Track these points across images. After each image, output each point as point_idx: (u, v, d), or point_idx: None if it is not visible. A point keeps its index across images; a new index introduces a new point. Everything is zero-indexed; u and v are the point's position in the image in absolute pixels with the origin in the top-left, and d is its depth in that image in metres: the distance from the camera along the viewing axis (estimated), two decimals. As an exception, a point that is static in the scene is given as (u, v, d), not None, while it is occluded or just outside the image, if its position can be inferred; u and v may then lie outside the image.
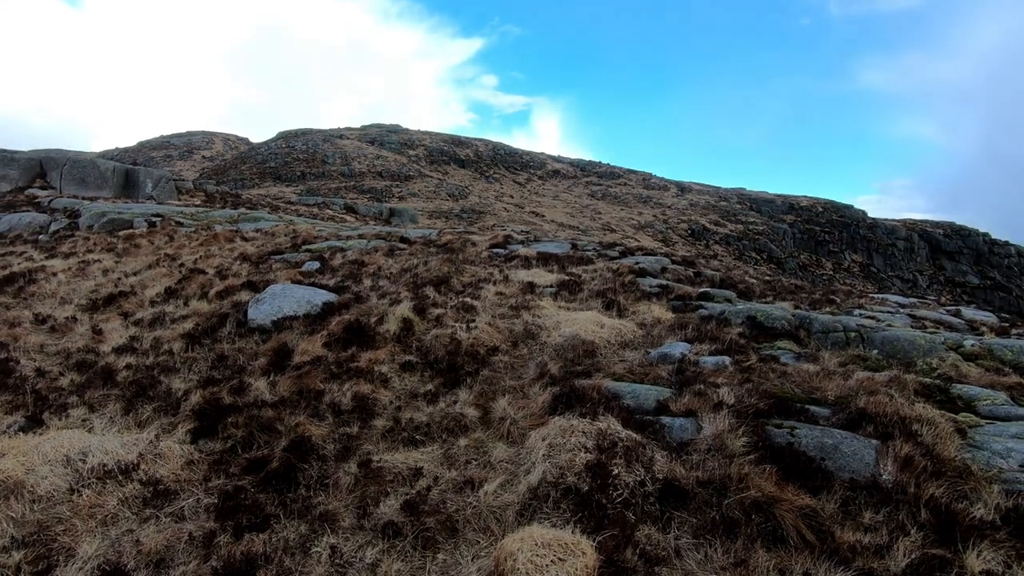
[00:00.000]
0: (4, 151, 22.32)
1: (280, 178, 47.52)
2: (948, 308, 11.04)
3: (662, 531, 3.49)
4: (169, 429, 5.32)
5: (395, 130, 64.03)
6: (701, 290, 9.54)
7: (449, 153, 59.30)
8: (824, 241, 54.33)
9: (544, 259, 11.58)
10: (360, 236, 14.80)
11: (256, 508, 4.05)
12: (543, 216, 44.94)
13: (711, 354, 6.14)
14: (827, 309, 9.15)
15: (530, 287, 9.20)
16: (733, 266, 37.42)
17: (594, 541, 3.26)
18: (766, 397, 4.70)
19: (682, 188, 64.22)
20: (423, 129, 67.30)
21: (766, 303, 9.02)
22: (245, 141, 67.04)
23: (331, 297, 8.61)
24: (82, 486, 4.31)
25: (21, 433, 5.14)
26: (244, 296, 9.01)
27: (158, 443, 4.91)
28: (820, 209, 58.35)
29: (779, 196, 62.36)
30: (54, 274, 11.46)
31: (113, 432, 5.21)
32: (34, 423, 5.48)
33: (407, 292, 8.69)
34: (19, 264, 12.34)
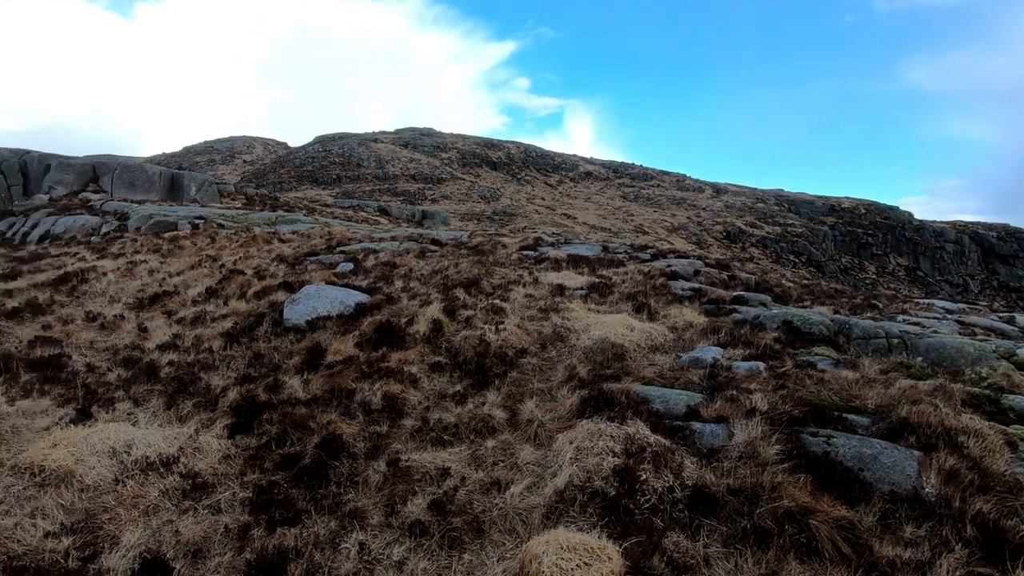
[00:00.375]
0: (61, 157, 23.54)
1: (317, 181, 48.67)
2: (1001, 314, 10.51)
3: (691, 539, 3.43)
4: (208, 424, 5.51)
5: (428, 133, 64.82)
6: (735, 294, 9.34)
7: (481, 156, 59.65)
8: (867, 244, 52.43)
9: (574, 261, 11.53)
10: (392, 238, 15.02)
11: (288, 503, 4.16)
12: (574, 218, 44.74)
13: (744, 359, 6.00)
14: (868, 314, 8.83)
15: (560, 289, 9.17)
16: (770, 269, 36.48)
17: (620, 547, 3.22)
18: (801, 404, 4.57)
19: (717, 189, 62.99)
20: (456, 132, 67.93)
21: (803, 307, 8.77)
22: (284, 145, 68.91)
23: (363, 298, 8.76)
24: (126, 477, 4.50)
25: (72, 425, 5.41)
26: (280, 296, 9.26)
27: (197, 437, 5.09)
28: (863, 211, 56.34)
29: (819, 197, 60.51)
30: (104, 274, 12.02)
31: (156, 426, 5.43)
32: (84, 416, 5.75)
33: (437, 294, 8.78)
34: (73, 264, 12.99)
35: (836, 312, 8.51)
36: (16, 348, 7.89)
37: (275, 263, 12.25)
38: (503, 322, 7.43)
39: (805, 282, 17.48)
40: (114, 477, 4.50)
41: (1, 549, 3.72)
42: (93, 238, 16.33)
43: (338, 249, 13.31)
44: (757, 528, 3.37)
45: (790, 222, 52.88)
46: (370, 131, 65.72)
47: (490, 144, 63.93)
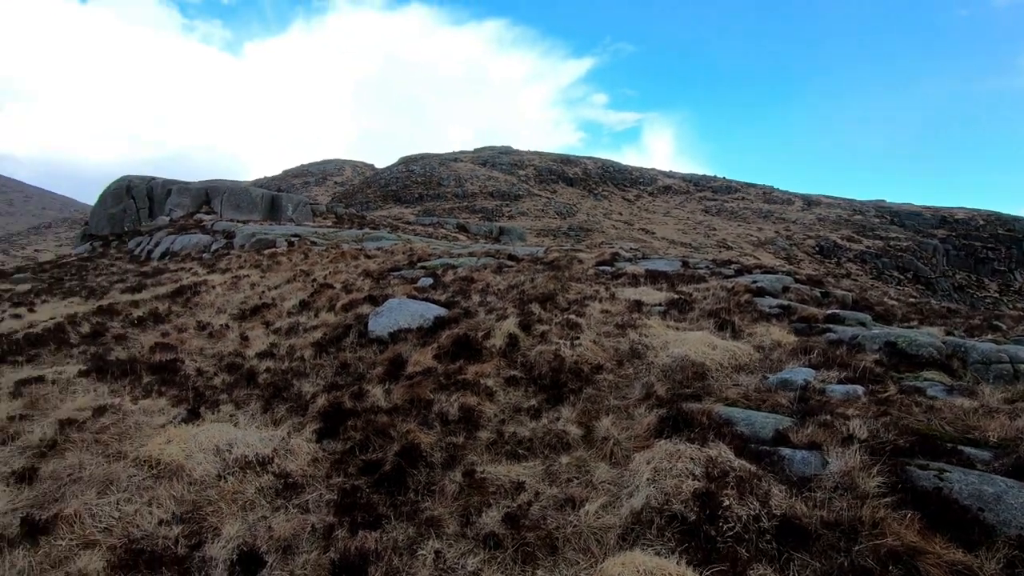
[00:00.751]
0: (180, 183, 26.27)
1: (400, 200, 50.95)
2: None
3: (779, 573, 3.21)
4: (298, 428, 5.87)
5: (506, 151, 66.08)
6: (829, 312, 8.71)
7: (557, 172, 59.93)
8: (986, 259, 47.17)
9: (652, 277, 11.26)
10: (470, 254, 15.39)
11: (370, 507, 4.33)
12: (653, 233, 43.71)
13: (840, 382, 5.57)
14: (989, 336, 7.92)
15: (637, 305, 8.98)
16: (869, 286, 33.70)
17: (701, 575, 3.07)
18: (908, 433, 4.16)
19: (808, 201, 59.32)
20: (532, 149, 68.77)
21: (909, 328, 8.02)
22: (371, 167, 72.90)
23: (442, 312, 9.02)
24: (227, 473, 4.88)
25: (183, 424, 5.96)
26: (365, 309, 9.74)
27: (289, 440, 5.44)
28: (981, 222, 50.89)
29: (927, 208, 55.38)
30: (213, 287, 13.22)
31: (253, 427, 5.86)
32: (193, 415, 6.31)
33: (513, 308, 8.87)
34: (187, 278, 14.40)
35: (949, 333, 7.70)
36: (139, 353, 8.83)
37: (361, 277, 12.92)
38: (579, 337, 7.38)
39: (912, 300, 15.99)
40: (217, 473, 4.90)
41: (123, 532, 4.15)
42: (204, 255, 18.02)
43: (419, 264, 13.83)
44: (856, 566, 3.09)
45: (893, 235, 48.70)
46: (450, 151, 68.05)
47: (566, 160, 64.12)
